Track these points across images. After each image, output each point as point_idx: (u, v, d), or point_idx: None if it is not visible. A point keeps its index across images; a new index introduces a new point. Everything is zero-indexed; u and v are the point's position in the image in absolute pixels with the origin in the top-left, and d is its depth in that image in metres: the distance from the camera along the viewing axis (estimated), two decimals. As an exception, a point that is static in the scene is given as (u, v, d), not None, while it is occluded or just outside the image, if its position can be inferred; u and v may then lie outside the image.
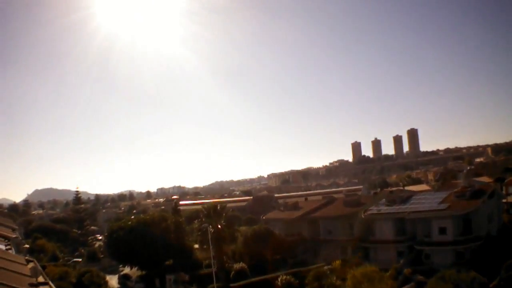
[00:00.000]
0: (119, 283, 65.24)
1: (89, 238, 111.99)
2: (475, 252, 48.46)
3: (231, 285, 50.49)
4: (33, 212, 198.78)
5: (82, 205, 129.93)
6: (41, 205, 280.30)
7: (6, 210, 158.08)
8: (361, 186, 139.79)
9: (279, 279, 47.47)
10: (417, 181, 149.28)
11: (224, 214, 61.77)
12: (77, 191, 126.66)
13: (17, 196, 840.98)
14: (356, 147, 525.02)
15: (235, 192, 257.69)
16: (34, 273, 16.76)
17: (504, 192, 74.72)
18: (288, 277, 47.61)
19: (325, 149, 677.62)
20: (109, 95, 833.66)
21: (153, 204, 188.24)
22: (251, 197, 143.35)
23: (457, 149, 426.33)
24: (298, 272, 49.77)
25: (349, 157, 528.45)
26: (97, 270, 59.11)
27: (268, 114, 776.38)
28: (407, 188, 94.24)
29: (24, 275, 16.71)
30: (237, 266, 56.07)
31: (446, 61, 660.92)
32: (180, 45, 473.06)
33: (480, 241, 49.48)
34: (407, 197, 64.17)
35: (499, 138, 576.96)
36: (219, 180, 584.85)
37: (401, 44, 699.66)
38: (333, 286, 43.08)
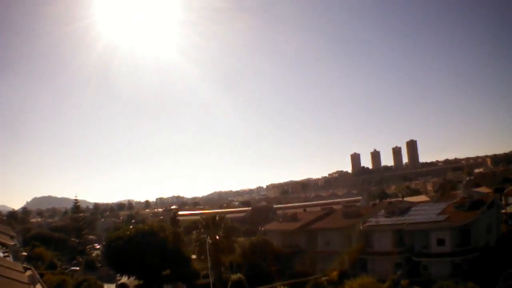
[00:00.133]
0: (116, 292, 65.00)
1: (87, 247, 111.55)
2: (473, 263, 48.37)
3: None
4: (32, 220, 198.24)
5: (81, 214, 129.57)
6: (39, 213, 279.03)
7: (4, 218, 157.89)
8: (360, 197, 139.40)
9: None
10: (416, 192, 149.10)
11: (222, 225, 61.81)
12: (76, 200, 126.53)
13: (16, 203, 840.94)
14: (355, 158, 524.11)
15: (234, 203, 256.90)
16: (32, 280, 16.89)
17: (503, 202, 74.53)
18: (286, 288, 47.57)
19: (324, 160, 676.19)
20: (109, 104, 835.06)
21: (152, 214, 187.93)
22: (250, 208, 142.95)
23: (456, 160, 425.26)
24: (295, 283, 49.71)
25: (348, 168, 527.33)
26: (94, 279, 59.00)
27: (267, 125, 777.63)
28: (406, 199, 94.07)
29: (22, 282, 16.82)
30: (234, 277, 55.84)
31: (445, 72, 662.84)
32: (180, 55, 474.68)
33: (478, 252, 49.42)
34: (406, 208, 64.07)
35: (498, 148, 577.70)
36: (218, 190, 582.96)
37: (400, 55, 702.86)
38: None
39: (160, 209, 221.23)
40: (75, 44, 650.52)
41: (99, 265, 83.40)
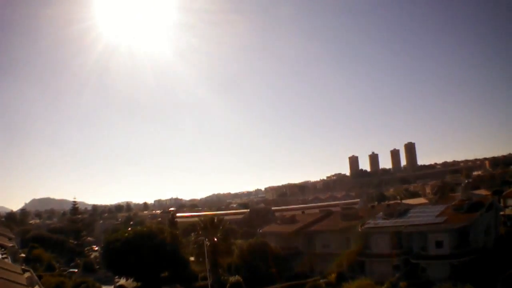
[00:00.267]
0: (114, 294, 64.92)
1: (86, 248, 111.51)
2: (472, 265, 48.39)
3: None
4: (30, 221, 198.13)
5: (79, 216, 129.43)
6: (38, 215, 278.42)
7: (3, 219, 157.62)
8: (358, 200, 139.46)
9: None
10: (415, 195, 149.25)
11: (220, 227, 61.88)
12: (74, 201, 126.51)
13: (14, 204, 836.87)
14: (354, 161, 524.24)
15: (232, 205, 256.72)
16: (30, 282, 16.84)
17: (502, 204, 74.67)
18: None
19: (322, 162, 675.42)
20: (108, 106, 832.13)
21: (150, 216, 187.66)
22: (248, 210, 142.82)
23: (455, 163, 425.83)
24: (294, 286, 49.72)
25: (346, 170, 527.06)
26: (93, 281, 59.05)
27: (265, 127, 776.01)
28: (404, 201, 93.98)
29: (21, 284, 16.79)
30: (232, 279, 55.83)
31: (443, 75, 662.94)
32: (179, 57, 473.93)
33: (477, 254, 49.53)
34: (404, 210, 64.17)
35: (497, 151, 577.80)
36: (216, 192, 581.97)
37: (398, 58, 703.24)
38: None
39: (158, 211, 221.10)
40: (74, 46, 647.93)
41: (98, 267, 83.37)
